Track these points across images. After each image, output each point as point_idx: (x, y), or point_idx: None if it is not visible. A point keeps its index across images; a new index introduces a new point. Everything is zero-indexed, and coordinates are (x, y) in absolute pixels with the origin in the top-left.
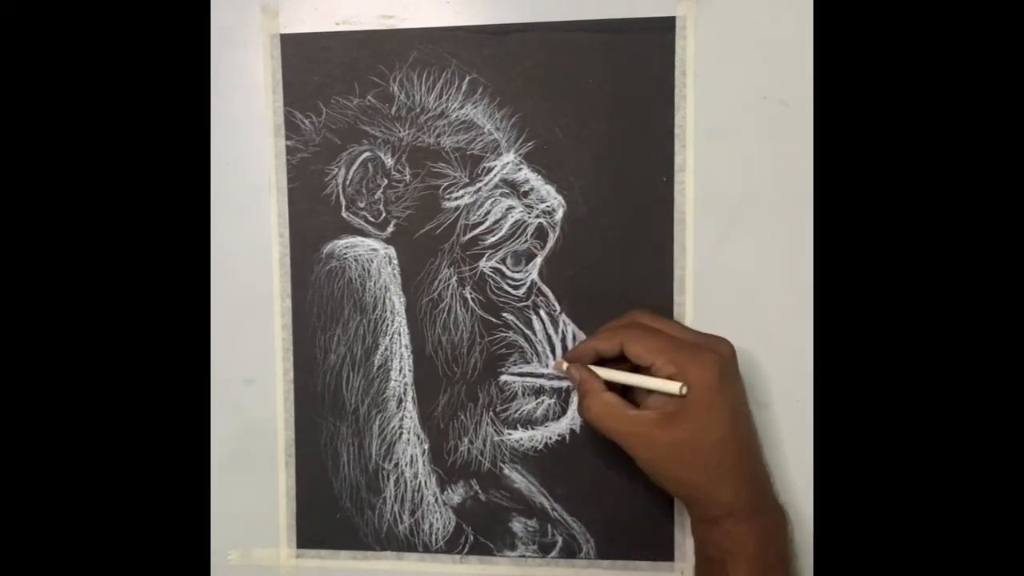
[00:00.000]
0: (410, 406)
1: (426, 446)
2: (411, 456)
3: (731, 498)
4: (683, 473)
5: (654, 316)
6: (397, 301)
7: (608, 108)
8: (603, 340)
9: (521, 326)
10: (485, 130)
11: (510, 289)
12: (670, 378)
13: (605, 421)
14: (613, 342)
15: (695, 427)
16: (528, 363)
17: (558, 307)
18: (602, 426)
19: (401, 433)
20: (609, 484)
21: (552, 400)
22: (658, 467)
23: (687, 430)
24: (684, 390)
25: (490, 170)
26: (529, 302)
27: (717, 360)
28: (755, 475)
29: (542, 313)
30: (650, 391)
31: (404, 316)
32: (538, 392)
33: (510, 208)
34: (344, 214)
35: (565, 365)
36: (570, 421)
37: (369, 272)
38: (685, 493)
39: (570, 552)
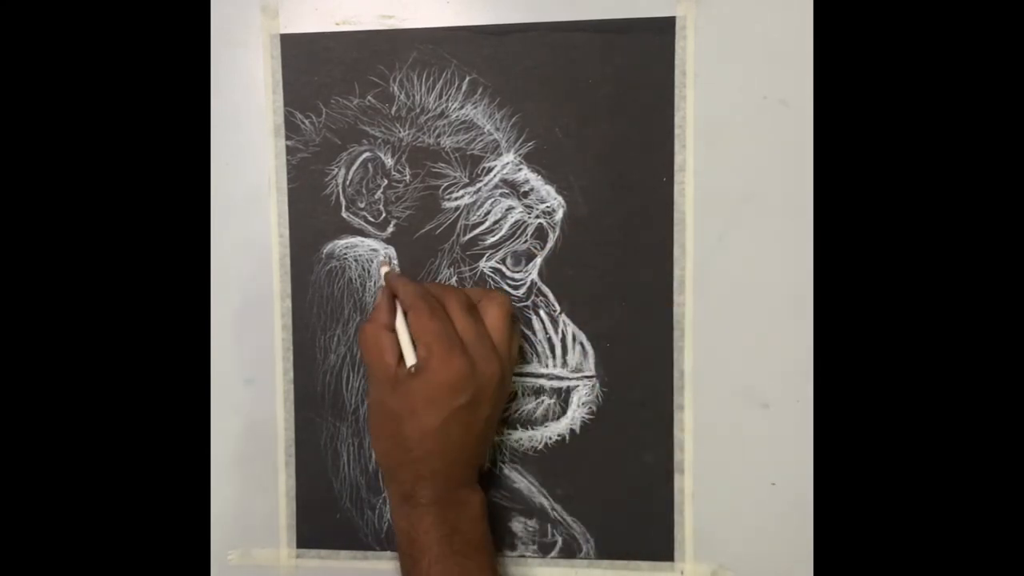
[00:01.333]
0: None
1: None
2: None
3: (411, 486)
4: (383, 442)
5: (474, 301)
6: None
7: (608, 108)
8: (409, 294)
9: (521, 326)
10: (485, 130)
11: (510, 289)
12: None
13: (369, 349)
14: (407, 302)
15: (412, 408)
16: (528, 363)
17: (558, 307)
18: (365, 352)
19: None
20: (609, 484)
21: (552, 400)
22: (372, 422)
23: (405, 407)
24: (413, 368)
25: (490, 170)
26: (529, 302)
27: (465, 368)
28: (447, 475)
29: (542, 313)
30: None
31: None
32: (538, 392)
33: (510, 208)
34: (344, 214)
35: (385, 270)
36: (570, 421)
37: (369, 272)
38: (381, 459)
39: (570, 552)
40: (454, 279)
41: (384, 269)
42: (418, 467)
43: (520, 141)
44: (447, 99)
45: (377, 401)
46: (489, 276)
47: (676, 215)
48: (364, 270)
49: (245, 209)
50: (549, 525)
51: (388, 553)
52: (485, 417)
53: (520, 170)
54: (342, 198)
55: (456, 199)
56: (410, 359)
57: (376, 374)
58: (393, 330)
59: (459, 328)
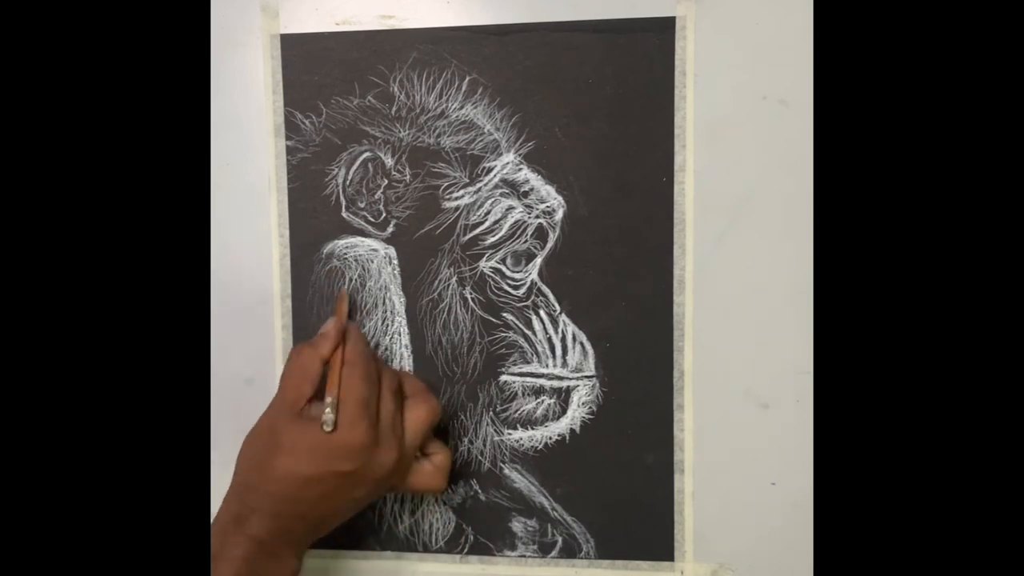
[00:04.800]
0: None
1: None
2: None
3: (248, 512)
4: (250, 461)
5: (407, 391)
6: (397, 301)
7: (608, 108)
8: (357, 351)
9: (521, 326)
10: (485, 130)
11: (510, 289)
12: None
13: (294, 372)
14: (349, 356)
15: (294, 446)
16: (528, 363)
17: (558, 307)
18: (289, 372)
19: None
20: (609, 484)
21: (552, 400)
22: (252, 434)
23: (289, 441)
24: (327, 428)
25: (490, 170)
26: (529, 302)
27: (365, 441)
28: (285, 527)
29: (542, 313)
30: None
31: (404, 316)
32: (538, 392)
33: (510, 208)
34: (344, 214)
35: (344, 304)
36: (570, 421)
37: (369, 272)
38: (240, 474)
39: (570, 552)
40: (454, 279)
41: (344, 303)
42: (266, 501)
43: (520, 141)
44: (447, 99)
45: (269, 421)
46: (489, 276)
47: (676, 215)
48: (364, 270)
49: (245, 209)
50: (549, 525)
51: (388, 553)
52: (355, 496)
53: (520, 170)
54: (342, 198)
55: (456, 199)
56: (331, 394)
57: (286, 397)
58: (327, 363)
59: (380, 406)
